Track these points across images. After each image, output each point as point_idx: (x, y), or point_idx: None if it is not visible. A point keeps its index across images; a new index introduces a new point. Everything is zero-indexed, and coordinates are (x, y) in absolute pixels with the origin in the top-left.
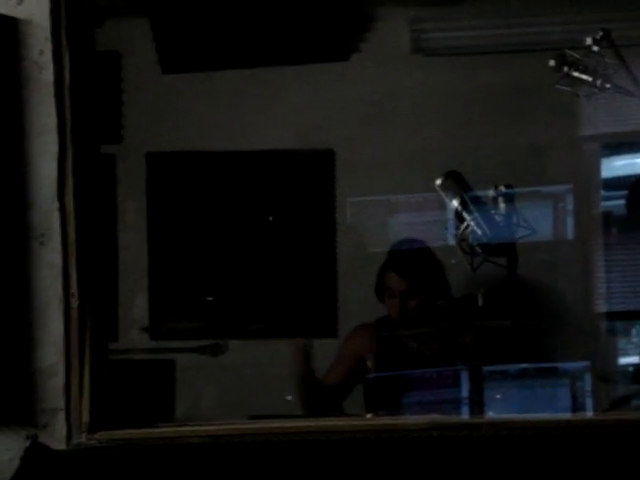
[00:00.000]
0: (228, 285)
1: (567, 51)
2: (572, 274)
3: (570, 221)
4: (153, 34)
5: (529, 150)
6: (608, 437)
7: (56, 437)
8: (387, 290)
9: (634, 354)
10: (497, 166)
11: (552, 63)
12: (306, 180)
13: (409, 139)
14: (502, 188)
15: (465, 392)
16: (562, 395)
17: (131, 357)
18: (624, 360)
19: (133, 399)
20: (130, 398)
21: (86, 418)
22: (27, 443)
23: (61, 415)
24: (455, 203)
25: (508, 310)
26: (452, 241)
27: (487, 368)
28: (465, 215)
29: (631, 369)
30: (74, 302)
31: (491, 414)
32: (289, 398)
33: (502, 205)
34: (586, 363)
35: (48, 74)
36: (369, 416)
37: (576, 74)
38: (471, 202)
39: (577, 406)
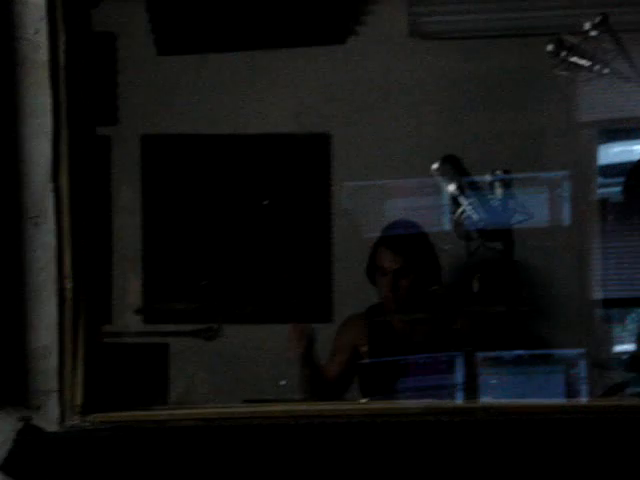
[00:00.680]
0: (223, 269)
1: (565, 36)
2: (568, 260)
3: (567, 207)
4: (149, 15)
5: (526, 135)
6: (602, 423)
7: (49, 419)
8: (379, 270)
9: (629, 341)
10: (494, 151)
11: (550, 48)
12: (302, 164)
13: (406, 123)
14: (499, 173)
15: (459, 378)
16: (557, 382)
17: (125, 340)
18: (619, 347)
19: (127, 382)
20: (124, 381)
21: (79, 400)
22: (20, 425)
23: (54, 397)
24: (452, 188)
25: (504, 296)
26: (448, 226)
27: (482, 354)
28: (461, 200)
29: (626, 356)
30: (68, 284)
31: (486, 399)
32: (283, 383)
33: (499, 190)
34: (581, 350)
35: (43, 54)
36: (364, 401)
37: (574, 59)
38: (468, 187)
39: (572, 393)
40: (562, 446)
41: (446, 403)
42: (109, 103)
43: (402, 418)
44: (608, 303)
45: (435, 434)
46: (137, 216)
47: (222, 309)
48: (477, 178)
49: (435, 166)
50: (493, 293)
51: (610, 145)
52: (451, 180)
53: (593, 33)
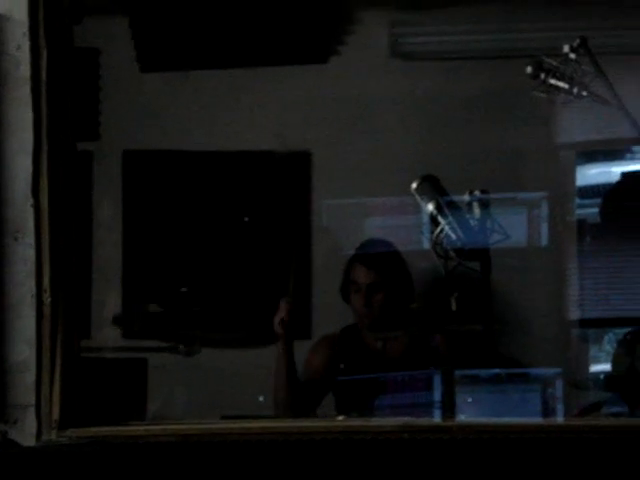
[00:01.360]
0: (202, 285)
1: (544, 58)
2: (546, 280)
3: (544, 228)
4: (132, 32)
5: (505, 156)
6: (578, 443)
7: (26, 434)
8: (353, 285)
9: (606, 361)
10: (473, 171)
11: (529, 70)
12: (282, 181)
13: (386, 142)
14: (477, 193)
15: (436, 395)
16: (533, 401)
17: (103, 355)
18: (596, 367)
19: (104, 397)
20: (101, 396)
21: (56, 415)
22: None
23: (31, 411)
24: (430, 207)
25: (480, 315)
26: (427, 245)
27: (459, 372)
28: (440, 219)
29: (602, 376)
30: (46, 298)
31: (462, 417)
32: (261, 399)
33: (477, 210)
34: (558, 369)
35: (25, 70)
36: (340, 418)
37: (553, 81)
38: (446, 206)
39: (548, 412)
40: (538, 465)
41: (422, 421)
42: (91, 119)
43: (378, 436)
44: (585, 323)
45: (411, 452)
46: (118, 231)
47: (201, 327)
48: (455, 198)
49: (414, 185)
50: (470, 312)
51: (588, 167)
52: (430, 199)
53: (572, 56)
